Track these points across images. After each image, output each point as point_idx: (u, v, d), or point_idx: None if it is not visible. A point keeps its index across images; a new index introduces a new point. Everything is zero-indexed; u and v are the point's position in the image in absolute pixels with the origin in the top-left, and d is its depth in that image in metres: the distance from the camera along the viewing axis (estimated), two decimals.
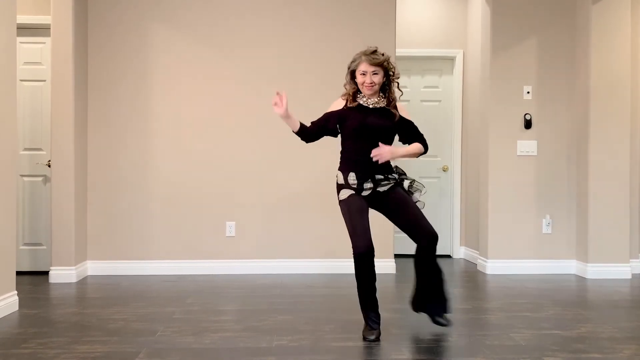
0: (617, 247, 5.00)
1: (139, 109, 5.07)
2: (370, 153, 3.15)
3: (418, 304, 3.37)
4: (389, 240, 5.19)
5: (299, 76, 5.13)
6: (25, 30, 4.94)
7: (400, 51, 5.81)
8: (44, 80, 5.04)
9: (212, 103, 5.11)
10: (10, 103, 3.74)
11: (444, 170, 6.22)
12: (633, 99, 5.18)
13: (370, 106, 3.28)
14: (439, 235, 3.24)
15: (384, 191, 3.23)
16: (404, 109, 3.40)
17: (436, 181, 6.24)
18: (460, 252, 6.21)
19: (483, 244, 5.35)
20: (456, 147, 6.19)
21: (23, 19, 4.81)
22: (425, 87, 6.23)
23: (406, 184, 3.29)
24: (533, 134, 5.20)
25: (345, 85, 3.36)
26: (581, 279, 4.96)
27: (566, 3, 5.21)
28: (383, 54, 3.25)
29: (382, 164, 3.20)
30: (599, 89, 4.99)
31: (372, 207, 3.28)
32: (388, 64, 3.26)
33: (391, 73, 3.29)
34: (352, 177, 3.23)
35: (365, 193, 3.22)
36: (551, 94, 5.21)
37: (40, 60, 5.06)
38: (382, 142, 3.20)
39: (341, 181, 3.28)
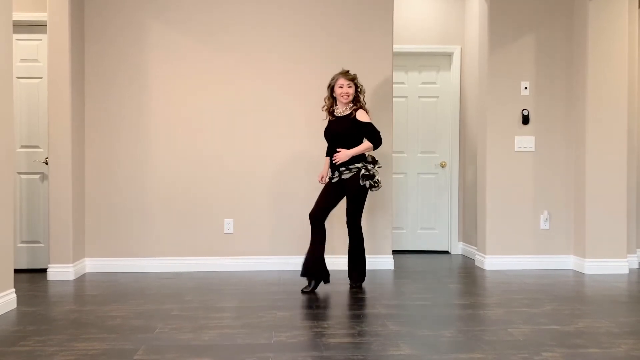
0: (615, 242, 5.02)
1: (136, 105, 5.07)
2: (336, 150, 4.32)
3: (350, 273, 4.46)
4: (387, 237, 5.19)
5: (296, 70, 5.13)
6: (21, 27, 4.92)
7: (397, 47, 5.81)
8: (41, 78, 5.03)
9: (209, 100, 5.10)
10: (6, 100, 3.73)
11: (442, 166, 6.22)
12: (630, 94, 5.18)
13: (339, 115, 4.38)
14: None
15: (348, 178, 4.30)
16: (364, 115, 4.33)
17: (434, 177, 6.24)
18: (458, 248, 6.21)
19: (481, 239, 5.36)
20: (454, 143, 6.19)
21: (19, 16, 4.79)
22: (422, 83, 6.23)
23: (362, 172, 4.30)
24: (531, 130, 5.21)
25: (325, 99, 4.45)
26: (579, 274, 4.97)
27: None
28: (354, 73, 4.40)
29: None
30: (596, 85, 5.00)
31: (339, 189, 4.38)
32: (357, 81, 4.38)
33: (359, 88, 4.39)
34: (329, 171, 4.43)
35: (334, 180, 4.37)
36: (549, 90, 5.22)
37: (36, 58, 5.05)
38: (344, 143, 4.31)
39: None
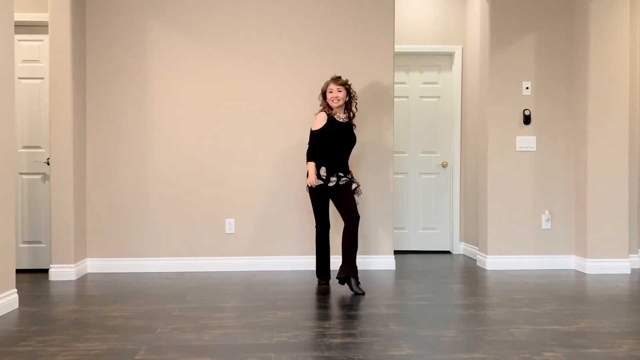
0: (616, 242, 5.01)
1: (138, 105, 5.07)
2: (339, 156, 4.40)
3: (345, 267, 4.29)
4: (388, 237, 5.19)
5: (298, 71, 5.13)
6: (23, 27, 4.93)
7: (399, 47, 5.81)
8: (42, 78, 5.04)
9: (210, 100, 5.11)
10: (8, 101, 3.74)
11: (444, 166, 6.22)
12: (631, 94, 5.18)
13: (341, 121, 4.43)
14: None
15: (343, 184, 4.39)
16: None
17: (435, 177, 6.24)
18: (459, 248, 6.21)
19: (482, 239, 5.35)
20: (455, 143, 6.19)
21: (21, 16, 4.79)
22: (424, 83, 6.23)
23: (354, 186, 4.45)
24: (532, 130, 5.20)
25: (320, 104, 4.51)
26: (580, 274, 4.96)
27: None
28: (346, 79, 4.50)
29: (343, 166, 4.43)
30: (598, 85, 4.99)
31: (329, 194, 4.42)
32: (349, 86, 4.47)
33: (352, 94, 4.49)
34: (323, 171, 4.37)
35: (331, 184, 4.36)
36: (550, 90, 5.21)
37: (38, 58, 5.06)
38: (348, 149, 4.48)
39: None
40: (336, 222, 4.68)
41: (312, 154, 4.39)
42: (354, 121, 4.58)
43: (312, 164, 4.38)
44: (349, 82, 4.48)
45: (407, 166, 6.23)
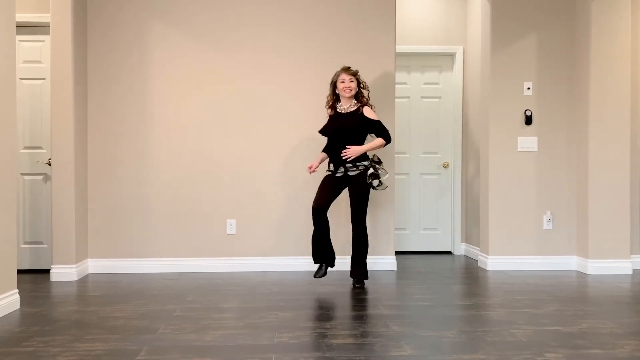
0: (618, 243, 5.01)
1: (139, 106, 5.07)
2: (342, 148, 4.36)
3: (351, 270, 4.49)
4: (389, 237, 5.19)
5: (298, 70, 5.13)
6: (24, 28, 4.94)
7: (400, 48, 5.81)
8: (44, 79, 5.04)
9: (211, 100, 5.11)
10: (10, 101, 3.74)
11: (445, 167, 6.22)
12: (633, 94, 5.17)
13: (343, 112, 4.44)
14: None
15: (354, 175, 4.36)
16: (371, 112, 4.45)
17: (437, 177, 6.24)
18: (461, 248, 6.21)
19: (484, 240, 5.35)
20: (456, 144, 6.19)
21: (22, 17, 4.80)
22: (425, 83, 6.22)
23: (369, 171, 4.37)
24: (533, 130, 5.20)
25: (327, 96, 4.56)
26: (582, 275, 4.96)
27: None
28: (356, 69, 4.49)
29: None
30: (599, 85, 4.99)
31: (347, 186, 4.43)
32: (359, 76, 4.48)
33: (362, 84, 4.49)
34: (330, 166, 4.48)
35: (339, 174, 4.41)
36: (552, 90, 5.21)
37: (39, 59, 5.06)
38: (351, 139, 4.37)
39: (325, 166, 4.60)
40: (332, 214, 4.68)
41: (325, 147, 4.60)
42: (368, 108, 4.46)
43: (321, 154, 4.60)
44: (359, 72, 4.50)
45: (408, 167, 6.23)
